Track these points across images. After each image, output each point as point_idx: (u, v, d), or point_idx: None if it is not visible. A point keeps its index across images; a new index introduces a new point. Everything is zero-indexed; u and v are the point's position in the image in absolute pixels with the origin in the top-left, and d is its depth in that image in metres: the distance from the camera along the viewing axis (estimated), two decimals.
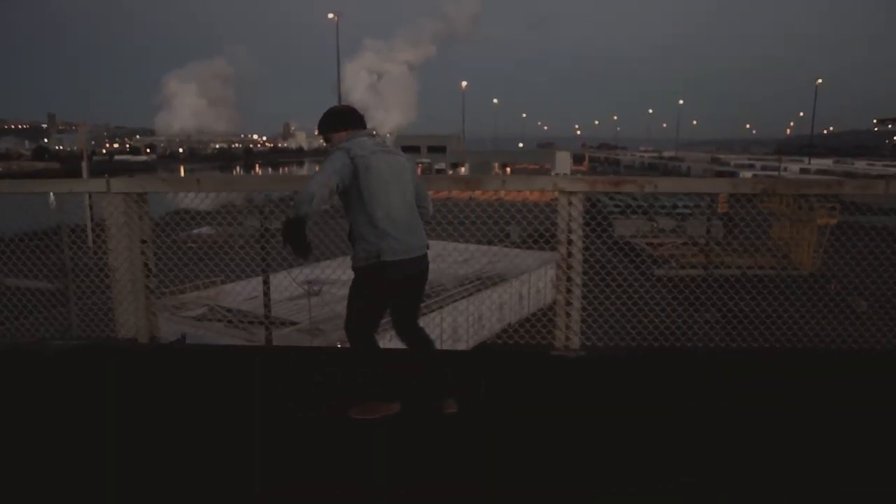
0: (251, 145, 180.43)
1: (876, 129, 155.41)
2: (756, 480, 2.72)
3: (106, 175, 4.86)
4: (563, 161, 54.40)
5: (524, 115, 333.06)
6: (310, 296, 8.69)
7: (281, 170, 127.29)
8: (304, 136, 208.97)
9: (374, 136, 3.30)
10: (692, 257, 19.01)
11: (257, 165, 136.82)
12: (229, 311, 10.69)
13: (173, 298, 11.04)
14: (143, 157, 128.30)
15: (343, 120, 3.23)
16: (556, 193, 4.14)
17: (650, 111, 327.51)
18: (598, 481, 2.71)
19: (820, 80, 74.26)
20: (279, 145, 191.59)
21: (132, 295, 4.43)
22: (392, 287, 3.11)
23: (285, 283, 7.24)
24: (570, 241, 4.15)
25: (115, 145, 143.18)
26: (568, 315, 4.21)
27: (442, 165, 56.37)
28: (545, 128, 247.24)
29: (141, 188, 4.51)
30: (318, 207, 2.90)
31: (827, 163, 70.58)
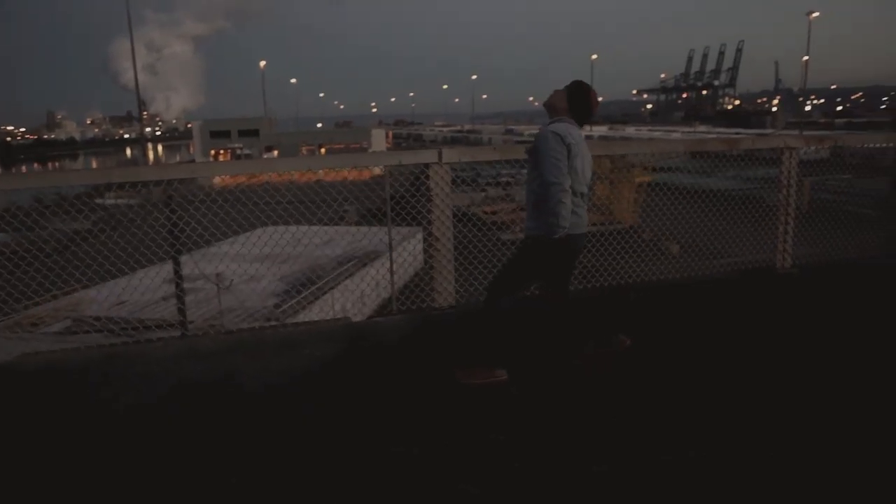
0: (8, 138, 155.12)
1: (634, 98, 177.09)
2: None
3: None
4: (379, 138, 55.76)
5: (322, 94, 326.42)
6: (219, 288, 8.13)
7: (50, 165, 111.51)
8: (76, 126, 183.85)
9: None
10: None
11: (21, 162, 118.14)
12: (98, 319, 9.54)
13: (22, 315, 9.54)
14: None
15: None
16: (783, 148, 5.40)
17: (444, 87, 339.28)
18: None
19: (595, 56, 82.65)
20: (44, 137, 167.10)
21: (451, 264, 4.73)
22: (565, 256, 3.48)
23: (151, 282, 6.39)
24: (789, 184, 5.36)
25: None
26: (784, 241, 5.42)
27: (248, 151, 53.72)
28: (342, 106, 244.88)
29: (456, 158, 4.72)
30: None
31: (604, 129, 79.09)
